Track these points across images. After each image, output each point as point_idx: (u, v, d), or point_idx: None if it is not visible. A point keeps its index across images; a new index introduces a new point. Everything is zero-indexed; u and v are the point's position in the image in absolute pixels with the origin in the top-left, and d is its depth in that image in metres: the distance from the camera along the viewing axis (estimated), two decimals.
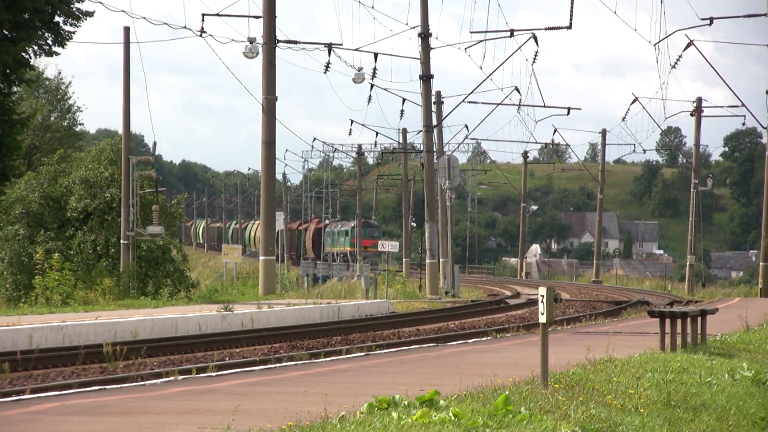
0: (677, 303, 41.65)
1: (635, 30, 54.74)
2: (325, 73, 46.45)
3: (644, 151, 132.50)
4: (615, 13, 49.87)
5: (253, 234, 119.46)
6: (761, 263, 59.31)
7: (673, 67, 54.69)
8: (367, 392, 13.24)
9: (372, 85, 50.47)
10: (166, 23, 41.02)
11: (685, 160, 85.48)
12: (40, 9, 34.27)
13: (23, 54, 34.68)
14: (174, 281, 47.19)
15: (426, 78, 48.71)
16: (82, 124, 78.37)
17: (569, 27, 44.81)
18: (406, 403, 11.60)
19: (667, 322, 19.70)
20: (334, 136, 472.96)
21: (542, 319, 13.47)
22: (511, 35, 47.54)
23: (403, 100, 56.04)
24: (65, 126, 72.13)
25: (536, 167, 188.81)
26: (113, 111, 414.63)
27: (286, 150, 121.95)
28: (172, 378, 15.87)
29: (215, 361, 19.71)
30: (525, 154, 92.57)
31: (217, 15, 43.34)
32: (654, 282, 76.25)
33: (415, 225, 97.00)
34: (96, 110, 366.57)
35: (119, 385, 14.79)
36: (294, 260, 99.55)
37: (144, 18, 55.19)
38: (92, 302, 35.76)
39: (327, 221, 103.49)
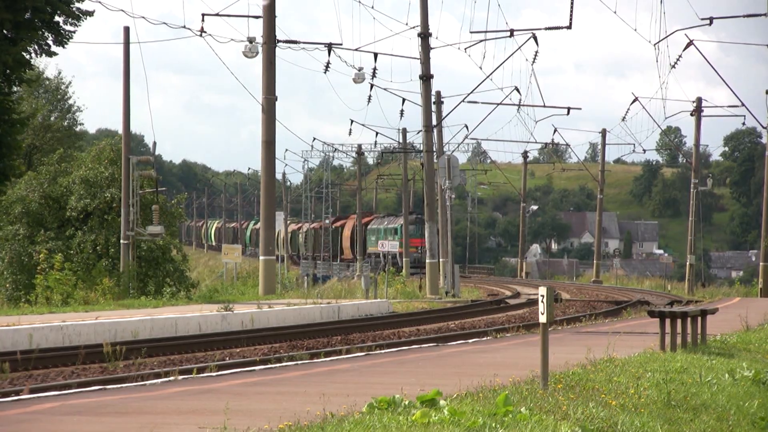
0: (677, 303, 41.64)
1: (635, 30, 54.64)
2: (325, 73, 46.46)
3: (644, 151, 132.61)
4: (615, 12, 49.76)
5: (281, 236, 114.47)
6: (761, 263, 59.28)
7: (673, 66, 54.58)
8: (367, 392, 13.23)
9: (372, 85, 50.47)
10: (165, 23, 40.97)
11: (685, 160, 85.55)
12: (40, 9, 34.29)
13: (23, 54, 34.70)
14: (174, 281, 47.19)
15: (426, 78, 48.69)
16: (82, 124, 78.49)
17: (569, 27, 44.77)
18: (406, 403, 11.60)
19: (667, 322, 19.70)
20: (334, 135, 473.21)
21: (542, 319, 13.47)
22: (511, 35, 47.51)
23: (403, 100, 56.03)
24: (65, 126, 72.15)
25: (536, 167, 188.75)
26: (116, 111, 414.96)
27: (286, 150, 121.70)
28: (172, 378, 15.87)
29: (215, 361, 19.71)
30: (525, 154, 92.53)
31: (217, 15, 43.32)
32: (654, 282, 76.20)
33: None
34: (98, 110, 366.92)
35: (119, 385, 14.78)
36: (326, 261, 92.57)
37: (143, 18, 55.15)
38: (92, 302, 35.74)
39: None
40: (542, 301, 13.38)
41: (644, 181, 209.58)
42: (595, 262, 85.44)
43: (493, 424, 10.73)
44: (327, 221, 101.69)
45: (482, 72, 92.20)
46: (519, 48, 47.65)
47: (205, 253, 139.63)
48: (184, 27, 41.22)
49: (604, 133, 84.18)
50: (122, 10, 41.71)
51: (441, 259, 50.40)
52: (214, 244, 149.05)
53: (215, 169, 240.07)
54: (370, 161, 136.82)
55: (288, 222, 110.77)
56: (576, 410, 11.92)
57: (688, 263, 64.98)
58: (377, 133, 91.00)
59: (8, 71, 34.43)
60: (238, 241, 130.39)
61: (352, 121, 72.57)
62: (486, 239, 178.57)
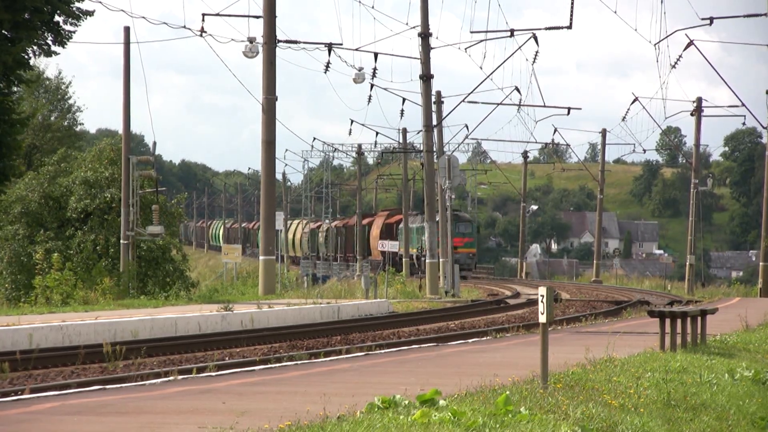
0: (677, 303, 41.62)
1: (636, 30, 54.62)
2: (325, 73, 46.45)
3: (644, 150, 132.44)
4: (615, 12, 49.67)
5: (298, 237, 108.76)
6: (761, 263, 59.27)
7: (674, 66, 54.50)
8: (367, 392, 13.24)
9: (372, 85, 50.46)
10: (165, 23, 40.94)
11: (685, 160, 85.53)
12: (40, 9, 34.31)
13: (23, 54, 34.73)
14: (174, 281, 47.21)
15: (426, 78, 48.68)
16: (82, 124, 78.50)
17: (569, 27, 44.74)
18: (406, 402, 11.60)
19: (667, 321, 19.70)
20: (334, 135, 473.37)
21: (542, 318, 13.47)
22: (512, 35, 47.47)
23: (403, 100, 56.03)
24: (65, 126, 72.18)
25: (536, 167, 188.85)
26: (116, 111, 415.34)
27: (286, 150, 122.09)
28: (171, 378, 15.86)
29: (215, 361, 19.70)
30: (525, 154, 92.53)
31: (218, 15, 43.30)
32: (654, 282, 76.17)
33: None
34: (99, 110, 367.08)
35: (119, 385, 14.78)
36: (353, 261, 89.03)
37: (143, 18, 54.99)
38: (92, 302, 35.72)
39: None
40: (542, 301, 13.38)
41: (644, 181, 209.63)
42: (595, 262, 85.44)
43: (493, 424, 10.73)
44: (327, 220, 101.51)
45: (482, 72, 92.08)
46: (519, 48, 47.62)
47: (206, 253, 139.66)
48: (185, 27, 41.20)
49: (604, 133, 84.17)
50: (122, 10, 41.80)
51: (441, 259, 50.42)
52: (221, 245, 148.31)
53: (215, 169, 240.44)
54: (370, 161, 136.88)
55: (306, 221, 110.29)
56: (576, 410, 11.92)
57: (687, 263, 64.97)
58: (377, 133, 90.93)
59: (8, 71, 34.45)
60: (249, 242, 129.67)
61: (352, 121, 72.65)
62: (486, 239, 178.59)
